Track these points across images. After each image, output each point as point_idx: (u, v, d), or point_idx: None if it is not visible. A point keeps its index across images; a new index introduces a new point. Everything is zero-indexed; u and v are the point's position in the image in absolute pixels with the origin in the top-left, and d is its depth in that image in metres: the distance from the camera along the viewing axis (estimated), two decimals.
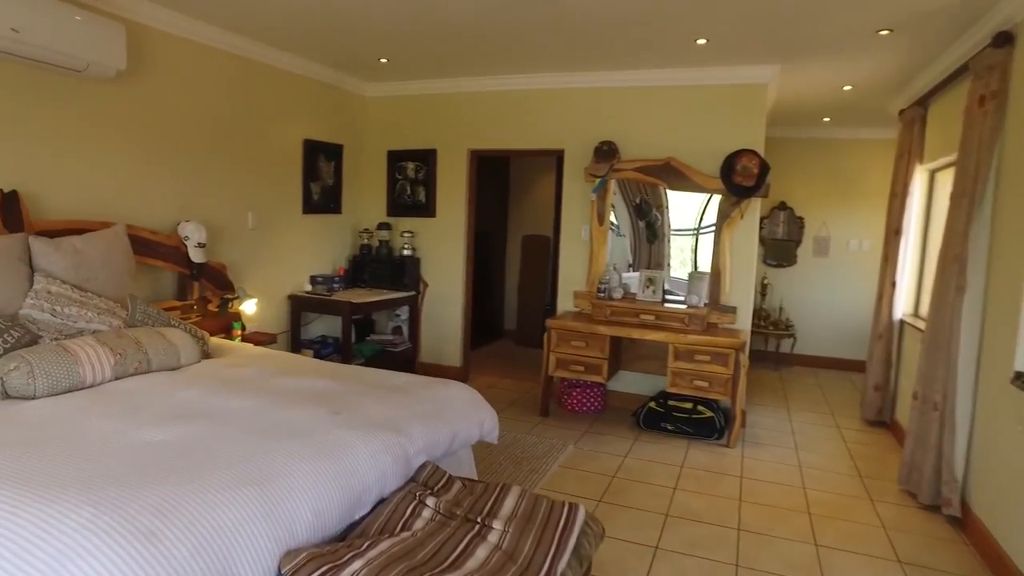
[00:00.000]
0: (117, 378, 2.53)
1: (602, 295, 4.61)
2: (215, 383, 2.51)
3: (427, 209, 5.40)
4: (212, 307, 4.04)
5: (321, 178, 5.07)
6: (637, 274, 4.77)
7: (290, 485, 1.73)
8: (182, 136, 3.87)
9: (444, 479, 2.19)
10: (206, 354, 3.12)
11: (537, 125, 5.00)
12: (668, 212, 4.89)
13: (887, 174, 5.09)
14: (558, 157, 5.15)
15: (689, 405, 4.29)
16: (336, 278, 5.06)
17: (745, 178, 4.31)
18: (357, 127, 5.46)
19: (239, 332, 4.10)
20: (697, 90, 4.53)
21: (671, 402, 4.33)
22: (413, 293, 5.32)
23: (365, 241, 5.46)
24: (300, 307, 4.83)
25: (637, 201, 4.87)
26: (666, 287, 4.66)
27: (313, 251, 5.10)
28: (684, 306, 4.38)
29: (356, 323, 5.43)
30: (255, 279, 4.52)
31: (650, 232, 5.05)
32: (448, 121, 5.28)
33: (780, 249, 6.80)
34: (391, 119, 5.51)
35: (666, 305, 4.42)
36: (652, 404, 4.39)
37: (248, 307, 4.12)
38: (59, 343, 2.47)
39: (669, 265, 4.97)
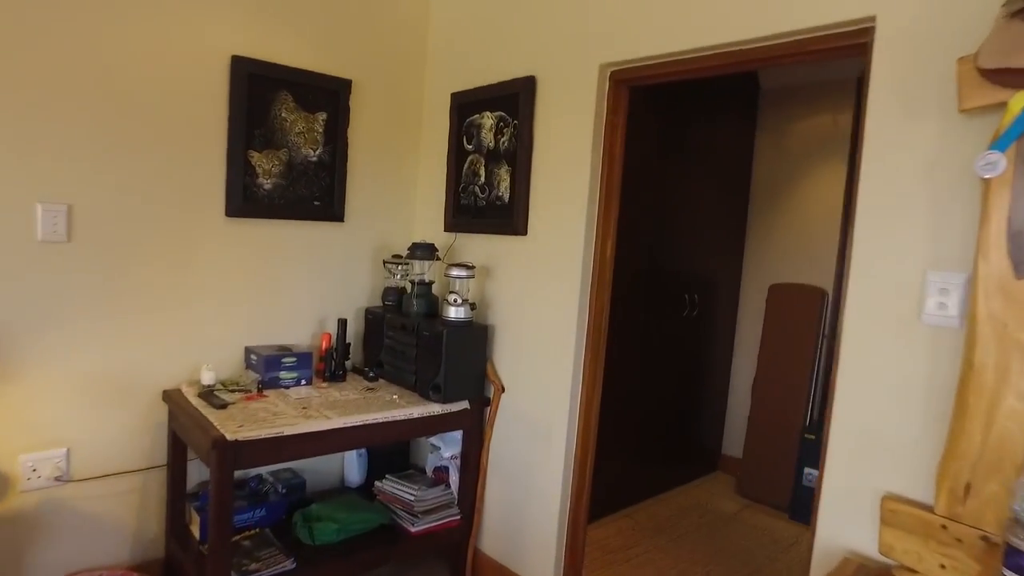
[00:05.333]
0: None
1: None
2: None
3: (509, 217, 2.37)
4: None
5: (283, 143, 2.40)
6: None
7: None
8: None
9: None
10: None
11: None
12: None
13: None
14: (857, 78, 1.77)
15: None
16: (294, 358, 2.31)
17: None
18: (387, 44, 2.69)
19: None
20: None
21: None
22: (460, 407, 2.32)
23: (397, 280, 2.64)
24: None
25: None
26: None
27: (261, 297, 2.43)
28: None
29: (373, 454, 2.65)
30: (49, 352, 1.99)
31: None
32: (558, 10, 2.22)
33: None
34: (456, 27, 2.65)
35: None
36: None
37: None
38: None
39: None
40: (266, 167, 2.35)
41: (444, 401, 2.25)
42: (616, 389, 2.95)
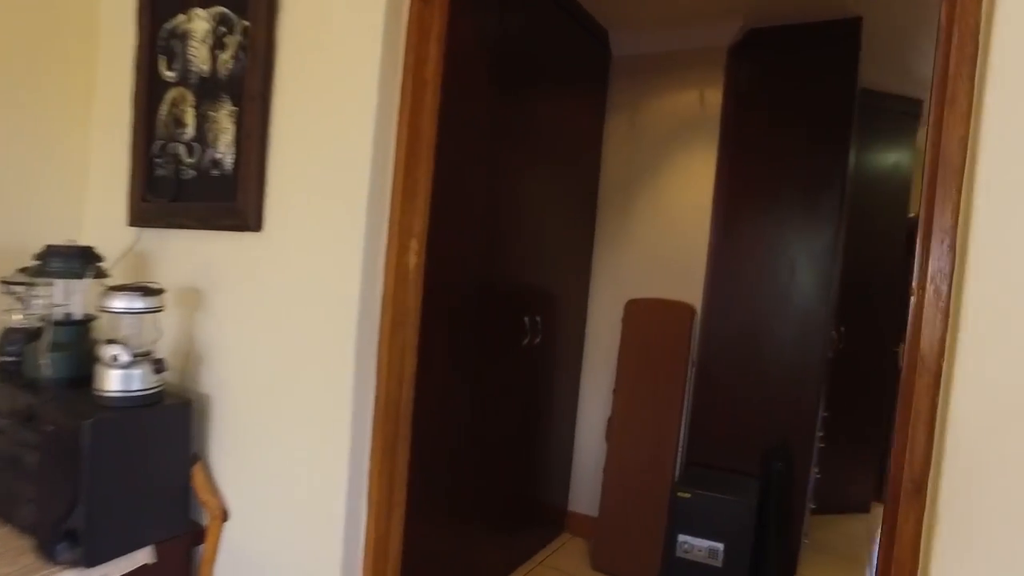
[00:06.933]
0: None
1: None
2: None
3: (231, 199, 1.30)
4: None
5: None
6: None
7: None
8: None
9: None
10: None
11: None
12: None
13: None
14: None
15: None
16: None
17: None
18: None
19: None
20: None
21: None
22: (131, 564, 1.20)
23: (29, 314, 1.43)
24: None
25: None
26: None
27: None
28: None
29: None
30: None
31: None
32: None
33: None
34: None
35: None
36: None
37: None
38: None
39: None
40: None
41: (87, 563, 1.11)
42: (433, 450, 1.98)
